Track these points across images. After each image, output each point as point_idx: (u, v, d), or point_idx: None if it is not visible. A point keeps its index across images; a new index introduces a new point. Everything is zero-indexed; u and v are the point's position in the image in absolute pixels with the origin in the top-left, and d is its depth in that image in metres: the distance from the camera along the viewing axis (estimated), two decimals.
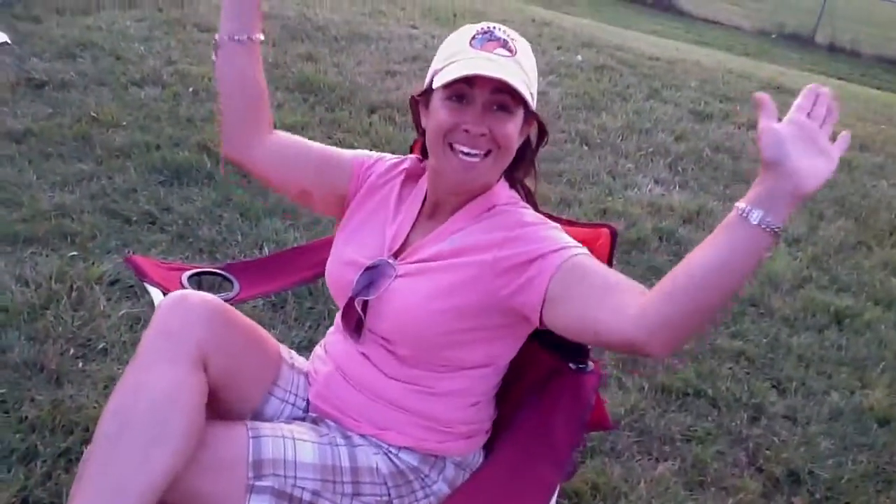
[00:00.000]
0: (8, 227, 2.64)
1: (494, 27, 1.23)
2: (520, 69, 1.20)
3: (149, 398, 1.11)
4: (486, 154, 1.21)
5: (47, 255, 2.53)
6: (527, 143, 1.31)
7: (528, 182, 1.38)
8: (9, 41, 4.39)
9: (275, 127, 1.42)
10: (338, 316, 1.39)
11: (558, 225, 1.26)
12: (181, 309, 1.21)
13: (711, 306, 1.01)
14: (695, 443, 2.26)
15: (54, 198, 2.88)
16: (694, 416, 2.36)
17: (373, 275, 1.28)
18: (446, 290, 1.23)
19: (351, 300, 1.30)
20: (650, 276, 3.07)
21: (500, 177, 1.31)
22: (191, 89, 4.14)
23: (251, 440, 1.19)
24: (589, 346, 1.35)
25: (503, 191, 1.31)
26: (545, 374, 1.37)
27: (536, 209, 1.34)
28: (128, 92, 4.00)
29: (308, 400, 1.38)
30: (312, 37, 5.53)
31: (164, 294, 1.49)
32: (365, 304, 1.28)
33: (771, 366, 2.70)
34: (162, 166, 3.25)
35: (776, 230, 0.96)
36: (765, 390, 2.54)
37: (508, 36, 1.23)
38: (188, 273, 1.58)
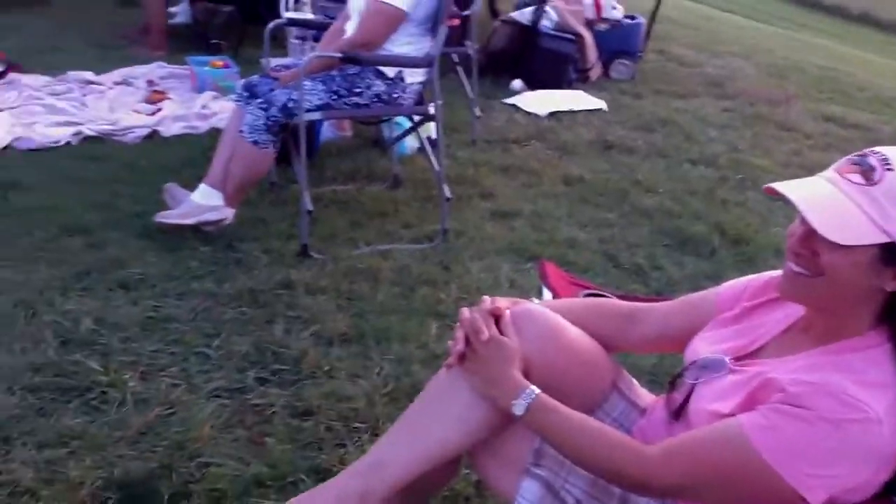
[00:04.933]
0: (525, 244, 3.20)
1: (875, 152, 1.11)
2: (867, 201, 1.07)
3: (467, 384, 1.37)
4: (804, 275, 1.13)
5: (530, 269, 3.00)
6: None
7: None
8: (605, 108, 5.16)
9: None
10: None
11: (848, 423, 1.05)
12: (523, 319, 1.40)
13: None
14: None
15: (571, 232, 3.36)
16: None
17: (708, 363, 1.31)
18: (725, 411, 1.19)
19: (675, 378, 1.36)
20: None
21: (877, 324, 1.14)
22: (739, 176, 4.29)
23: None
24: None
25: (872, 346, 1.13)
26: None
27: None
28: (680, 167, 4.35)
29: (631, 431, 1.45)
30: None
31: (554, 297, 1.75)
32: (691, 390, 1.31)
33: None
34: (674, 233, 3.49)
35: None
36: None
37: (885, 164, 1.08)
38: (586, 291, 1.79)
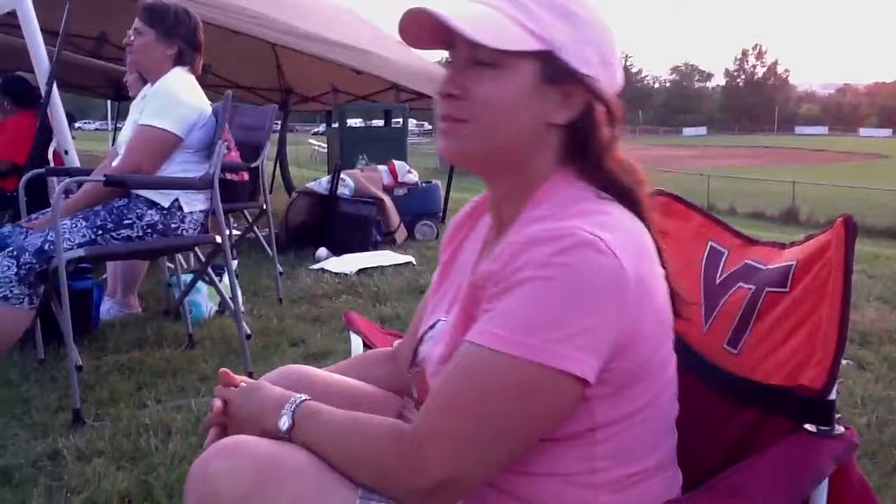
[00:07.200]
0: None
1: None
2: (510, 6, 0.93)
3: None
4: (462, 120, 0.94)
5: None
6: (591, 121, 0.95)
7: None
8: (414, 262, 5.07)
9: None
10: None
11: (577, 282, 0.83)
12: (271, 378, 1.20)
13: None
14: None
15: None
16: None
17: (428, 335, 1.11)
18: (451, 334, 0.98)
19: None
20: None
21: (560, 168, 0.97)
22: None
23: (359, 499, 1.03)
24: (835, 402, 0.92)
25: (561, 188, 0.96)
26: (752, 434, 1.00)
27: (639, 212, 0.95)
28: None
29: None
30: None
31: (365, 345, 1.46)
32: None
33: None
34: None
35: None
36: None
37: None
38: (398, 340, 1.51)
